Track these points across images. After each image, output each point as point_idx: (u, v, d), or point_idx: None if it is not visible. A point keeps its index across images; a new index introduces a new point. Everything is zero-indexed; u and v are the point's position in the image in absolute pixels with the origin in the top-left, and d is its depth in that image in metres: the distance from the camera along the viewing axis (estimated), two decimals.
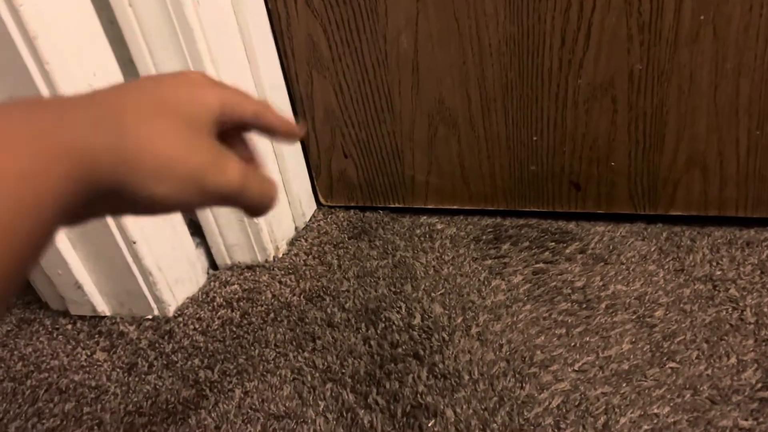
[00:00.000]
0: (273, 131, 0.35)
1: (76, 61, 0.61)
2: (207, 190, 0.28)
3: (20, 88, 0.60)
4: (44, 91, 0.60)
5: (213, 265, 0.85)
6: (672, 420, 0.56)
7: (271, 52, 0.79)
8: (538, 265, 0.76)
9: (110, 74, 0.66)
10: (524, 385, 0.62)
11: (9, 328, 0.81)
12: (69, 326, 0.79)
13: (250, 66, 0.75)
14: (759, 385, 0.58)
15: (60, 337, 0.78)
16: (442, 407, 0.61)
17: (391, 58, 0.76)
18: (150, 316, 0.78)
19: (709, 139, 0.72)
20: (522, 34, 0.70)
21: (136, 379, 0.70)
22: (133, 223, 0.70)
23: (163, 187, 0.26)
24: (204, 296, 0.80)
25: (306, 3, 0.75)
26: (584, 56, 0.70)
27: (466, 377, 0.63)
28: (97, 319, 0.79)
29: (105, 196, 0.24)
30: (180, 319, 0.77)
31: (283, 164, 0.83)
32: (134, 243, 0.71)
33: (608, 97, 0.72)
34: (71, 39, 0.61)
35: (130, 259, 0.72)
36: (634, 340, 0.64)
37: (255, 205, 0.32)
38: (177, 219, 0.77)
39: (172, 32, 0.66)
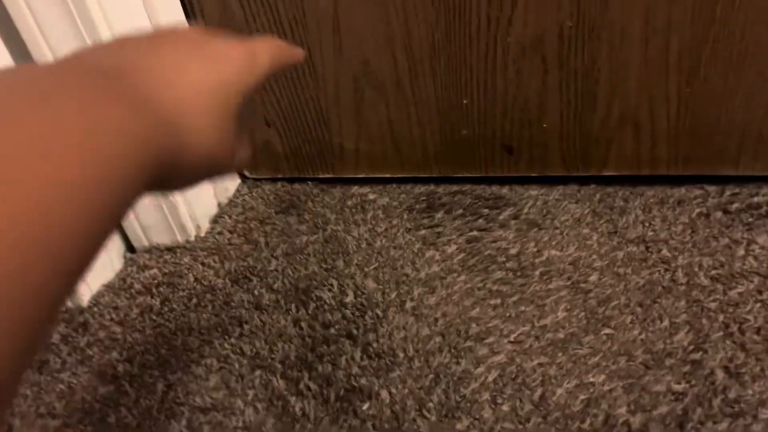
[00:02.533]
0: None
1: None
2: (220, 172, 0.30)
3: None
4: None
5: (130, 247, 0.79)
6: (607, 388, 0.56)
7: (177, 11, 0.72)
8: (472, 233, 0.73)
9: None
10: (460, 360, 0.60)
11: None
12: None
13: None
14: (691, 347, 0.58)
15: None
16: (376, 388, 0.59)
17: (309, 16, 0.70)
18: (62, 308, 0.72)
19: (641, 95, 0.70)
20: None
21: (48, 378, 0.65)
22: None
23: (192, 181, 0.28)
24: (121, 282, 0.74)
25: None
26: (513, 13, 0.66)
27: (401, 355, 0.61)
28: None
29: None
30: (95, 309, 0.71)
31: None
32: None
33: (538, 57, 0.69)
34: None
35: None
36: (569, 307, 0.63)
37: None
38: None
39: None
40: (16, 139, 0.17)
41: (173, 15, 0.71)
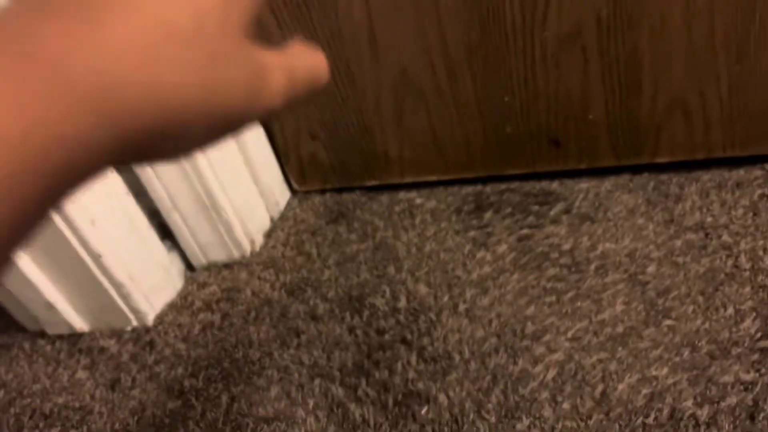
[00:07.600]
0: None
1: None
2: (244, 123, 0.22)
3: None
4: None
5: (190, 266, 0.82)
6: (671, 381, 0.54)
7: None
8: (522, 231, 0.73)
9: None
10: (517, 360, 0.59)
11: None
12: (48, 347, 0.77)
13: None
14: (759, 334, 0.55)
15: (40, 359, 0.75)
16: (434, 392, 0.59)
17: (345, 31, 0.72)
18: (129, 328, 0.75)
19: (688, 79, 0.68)
20: None
21: (121, 395, 0.68)
22: (96, 236, 0.67)
23: (177, 153, 0.20)
24: (183, 301, 0.77)
25: None
26: (547, 7, 0.65)
27: (457, 358, 0.61)
28: (76, 336, 0.77)
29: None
30: (160, 327, 0.74)
31: (247, 154, 0.80)
32: (100, 257, 0.68)
33: (577, 48, 0.68)
34: None
35: (98, 273, 0.69)
36: (627, 300, 0.62)
37: (304, 96, 0.24)
38: (142, 225, 0.73)
39: None
40: None
41: None
